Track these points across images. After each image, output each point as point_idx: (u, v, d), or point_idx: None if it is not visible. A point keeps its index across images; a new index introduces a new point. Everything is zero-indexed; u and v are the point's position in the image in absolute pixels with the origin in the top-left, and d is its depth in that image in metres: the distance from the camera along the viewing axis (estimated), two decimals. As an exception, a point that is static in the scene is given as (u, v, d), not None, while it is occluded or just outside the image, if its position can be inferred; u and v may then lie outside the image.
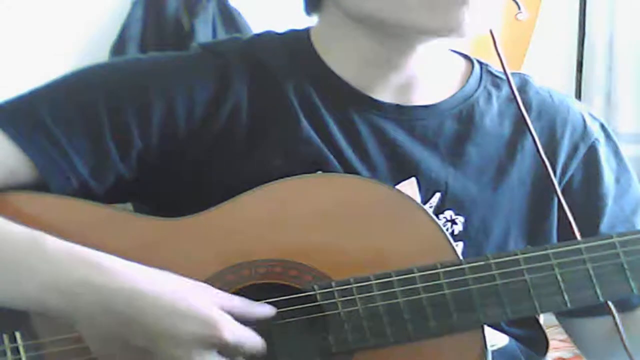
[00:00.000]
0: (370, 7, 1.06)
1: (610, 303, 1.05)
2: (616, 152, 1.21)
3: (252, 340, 0.99)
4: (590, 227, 1.15)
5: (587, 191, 1.17)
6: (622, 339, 1.06)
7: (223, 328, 0.96)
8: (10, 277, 0.98)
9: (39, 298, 0.97)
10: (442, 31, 1.04)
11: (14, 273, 0.98)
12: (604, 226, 1.17)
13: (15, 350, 1.00)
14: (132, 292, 0.96)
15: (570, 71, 3.31)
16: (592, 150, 1.18)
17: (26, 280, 0.97)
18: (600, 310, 1.08)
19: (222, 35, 2.65)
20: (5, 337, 1.00)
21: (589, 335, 1.22)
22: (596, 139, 1.19)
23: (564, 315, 1.22)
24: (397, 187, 1.10)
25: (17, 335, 1.00)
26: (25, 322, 1.01)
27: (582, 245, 1.04)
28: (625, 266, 1.03)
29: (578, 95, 3.29)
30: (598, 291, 1.03)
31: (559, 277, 1.03)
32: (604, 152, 1.19)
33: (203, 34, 2.64)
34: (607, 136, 1.21)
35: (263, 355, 1.00)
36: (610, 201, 1.18)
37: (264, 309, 1.01)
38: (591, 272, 1.03)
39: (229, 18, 2.71)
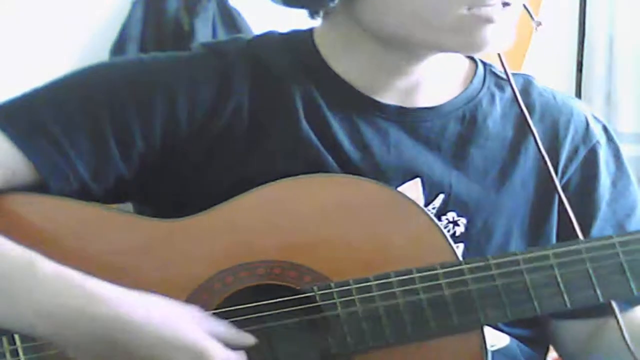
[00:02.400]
0: (395, 28, 1.06)
1: (613, 303, 1.05)
2: (617, 156, 1.20)
3: None
4: (582, 230, 1.14)
5: (582, 194, 1.17)
6: (623, 338, 1.05)
7: (213, 357, 0.96)
8: (3, 300, 0.97)
9: (31, 322, 0.96)
10: (465, 50, 1.07)
11: (7, 296, 0.97)
12: (595, 230, 1.16)
13: (15, 353, 0.99)
14: (124, 321, 0.96)
15: (570, 71, 3.31)
16: (592, 153, 1.18)
17: (19, 304, 0.96)
18: (581, 312, 1.08)
19: (222, 35, 2.64)
20: (4, 340, 1.00)
21: (567, 338, 1.19)
22: (597, 142, 1.18)
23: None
24: (402, 187, 1.10)
25: (16, 337, 0.99)
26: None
27: (582, 246, 1.04)
28: (625, 266, 1.03)
29: (578, 95, 3.29)
30: (598, 291, 1.03)
31: (558, 277, 1.02)
32: (603, 155, 1.18)
33: (203, 34, 2.64)
34: (609, 139, 1.20)
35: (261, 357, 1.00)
36: (603, 205, 1.17)
37: (246, 338, 1.01)
38: (591, 272, 1.03)
39: (229, 18, 2.71)
